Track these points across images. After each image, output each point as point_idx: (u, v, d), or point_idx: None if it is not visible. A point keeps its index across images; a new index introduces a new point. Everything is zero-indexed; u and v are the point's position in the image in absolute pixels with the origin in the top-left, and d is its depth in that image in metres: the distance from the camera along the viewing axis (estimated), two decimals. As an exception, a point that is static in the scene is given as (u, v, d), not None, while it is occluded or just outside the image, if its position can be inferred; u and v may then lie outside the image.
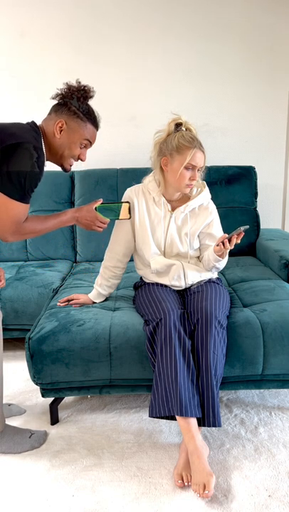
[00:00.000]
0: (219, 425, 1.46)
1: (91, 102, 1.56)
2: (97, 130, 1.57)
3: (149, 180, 1.79)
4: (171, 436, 1.68)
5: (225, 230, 1.83)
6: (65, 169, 1.58)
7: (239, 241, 1.58)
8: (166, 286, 1.78)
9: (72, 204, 2.69)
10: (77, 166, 2.47)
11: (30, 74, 2.79)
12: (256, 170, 2.73)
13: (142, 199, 1.77)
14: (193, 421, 1.45)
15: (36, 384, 1.68)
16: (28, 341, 1.64)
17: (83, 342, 1.63)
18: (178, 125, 1.68)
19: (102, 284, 1.84)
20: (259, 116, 2.93)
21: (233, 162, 2.93)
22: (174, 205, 1.77)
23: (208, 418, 1.47)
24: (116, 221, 1.79)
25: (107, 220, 1.66)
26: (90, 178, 2.67)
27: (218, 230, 1.80)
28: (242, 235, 1.57)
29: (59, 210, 2.06)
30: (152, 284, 1.79)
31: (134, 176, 2.32)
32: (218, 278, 1.86)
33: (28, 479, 1.47)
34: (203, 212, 1.78)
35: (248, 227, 1.58)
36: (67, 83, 1.51)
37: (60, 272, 2.43)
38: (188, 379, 1.49)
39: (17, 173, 1.37)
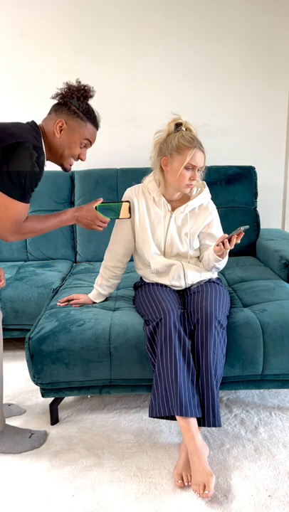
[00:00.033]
0: (219, 425, 1.46)
1: (91, 102, 1.56)
2: (97, 130, 1.57)
3: (149, 180, 1.79)
4: (171, 436, 1.68)
5: (225, 230, 1.83)
6: (65, 169, 1.58)
7: (239, 241, 1.58)
8: (166, 286, 1.78)
9: (72, 204, 2.69)
10: (77, 166, 2.47)
11: (30, 74, 2.79)
12: (256, 170, 2.73)
13: (142, 199, 1.77)
14: (193, 421, 1.45)
15: (36, 384, 1.68)
16: (28, 341, 1.64)
17: (83, 342, 1.63)
18: (178, 125, 1.68)
19: (102, 284, 1.84)
20: (259, 116, 2.93)
21: (233, 162, 2.93)
22: (174, 205, 1.77)
23: (208, 418, 1.47)
24: (116, 220, 1.79)
25: (108, 219, 1.66)
26: (90, 178, 2.67)
27: (218, 230, 1.80)
28: (242, 235, 1.57)
29: (59, 210, 2.05)
30: (152, 284, 1.79)
31: (134, 175, 2.32)
32: (218, 278, 1.86)
33: (28, 479, 1.47)
34: (203, 212, 1.78)
35: (248, 227, 1.58)
36: (67, 83, 1.51)
37: (60, 272, 2.43)
38: (188, 379, 1.49)
39: (17, 172, 1.37)
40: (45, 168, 1.50)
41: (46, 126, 1.51)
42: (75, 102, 1.50)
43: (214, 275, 1.85)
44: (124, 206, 1.70)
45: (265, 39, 2.83)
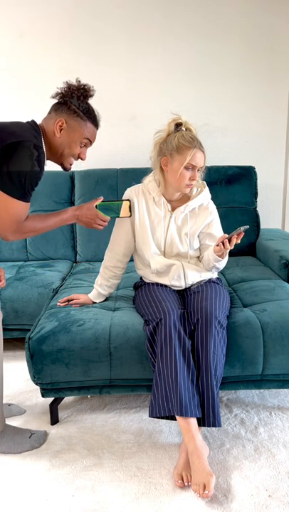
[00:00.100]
0: (219, 425, 1.46)
1: (91, 102, 1.56)
2: (97, 129, 1.57)
3: (149, 180, 1.78)
4: (171, 436, 1.68)
5: (225, 230, 1.83)
6: (65, 168, 1.58)
7: (239, 241, 1.58)
8: (166, 286, 1.78)
9: (72, 204, 2.69)
10: (77, 166, 2.47)
11: (30, 74, 2.79)
12: (256, 170, 2.73)
13: (142, 199, 1.77)
14: (193, 421, 1.45)
15: (36, 384, 1.68)
16: (28, 341, 1.64)
17: (83, 342, 1.63)
18: (178, 125, 1.68)
19: (102, 284, 1.84)
20: (259, 116, 2.93)
21: (233, 162, 2.93)
22: (174, 205, 1.77)
23: (208, 418, 1.47)
24: (116, 219, 1.78)
25: (108, 218, 1.66)
26: (90, 178, 2.67)
27: (218, 230, 1.80)
28: (242, 235, 1.57)
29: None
30: (152, 284, 1.79)
31: (134, 175, 2.32)
32: (218, 278, 1.86)
33: (28, 479, 1.47)
34: (203, 212, 1.78)
35: (248, 227, 1.58)
36: (67, 82, 1.51)
37: (60, 272, 2.43)
38: (188, 379, 1.49)
39: (17, 172, 1.37)
40: (46, 168, 1.50)
41: (46, 125, 1.51)
42: (75, 101, 1.50)
43: (214, 275, 1.85)
44: (125, 205, 1.70)
45: (265, 39, 2.83)
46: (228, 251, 1.64)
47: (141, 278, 1.91)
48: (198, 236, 1.79)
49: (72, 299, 1.85)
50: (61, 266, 2.53)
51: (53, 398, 1.77)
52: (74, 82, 1.52)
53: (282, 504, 1.35)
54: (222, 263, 1.73)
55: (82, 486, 1.44)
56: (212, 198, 1.83)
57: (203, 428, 1.67)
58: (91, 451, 1.60)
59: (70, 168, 1.59)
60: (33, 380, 1.67)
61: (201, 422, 1.47)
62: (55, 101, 1.53)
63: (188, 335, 1.57)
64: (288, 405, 1.86)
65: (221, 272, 2.31)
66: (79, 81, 1.52)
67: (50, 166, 1.64)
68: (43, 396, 1.72)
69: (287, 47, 2.85)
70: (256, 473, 1.48)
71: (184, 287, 1.79)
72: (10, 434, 1.61)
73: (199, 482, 1.35)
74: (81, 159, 1.56)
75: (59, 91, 1.51)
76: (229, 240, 1.58)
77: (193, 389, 1.48)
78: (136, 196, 1.77)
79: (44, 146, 1.49)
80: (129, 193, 1.80)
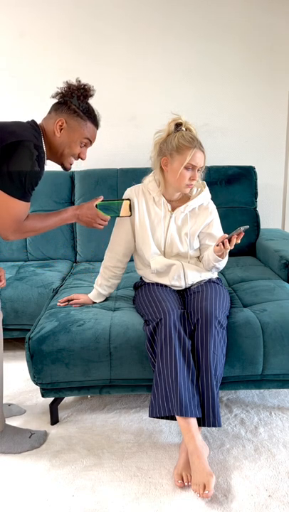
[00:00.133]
0: (219, 425, 1.46)
1: (91, 102, 1.56)
2: (97, 129, 1.57)
3: (149, 180, 1.78)
4: (171, 436, 1.68)
5: (225, 230, 1.83)
6: (65, 168, 1.58)
7: (239, 241, 1.58)
8: (166, 286, 1.78)
9: (72, 204, 2.69)
10: (77, 166, 2.47)
11: (30, 74, 2.79)
12: (256, 170, 2.73)
13: (142, 199, 1.77)
14: (193, 421, 1.45)
15: (36, 384, 1.68)
16: (28, 341, 1.64)
17: (83, 342, 1.63)
18: (178, 125, 1.68)
19: (102, 284, 1.84)
20: (259, 116, 2.93)
21: (233, 162, 2.93)
22: (174, 205, 1.77)
23: (208, 418, 1.47)
24: (117, 219, 1.78)
25: (108, 217, 1.66)
26: (90, 178, 2.67)
27: (218, 230, 1.80)
28: (242, 235, 1.57)
29: (59, 210, 2.06)
30: (152, 284, 1.79)
31: (134, 175, 2.32)
32: (218, 278, 1.86)
33: (28, 479, 1.47)
34: (203, 212, 1.78)
35: (248, 227, 1.58)
36: (67, 82, 1.51)
37: (60, 272, 2.43)
38: (188, 379, 1.49)
39: (18, 172, 1.37)
40: (46, 168, 1.50)
41: (46, 125, 1.51)
42: (75, 101, 1.50)
43: (214, 275, 1.85)
44: (125, 204, 1.70)
45: (265, 39, 2.83)
46: (228, 251, 1.64)
47: (141, 278, 1.91)
48: (198, 236, 1.79)
49: (72, 299, 1.85)
50: (61, 266, 2.53)
51: (53, 398, 1.77)
52: (74, 82, 1.51)
53: (282, 504, 1.35)
54: (222, 263, 1.73)
55: (82, 486, 1.44)
56: (212, 198, 1.83)
57: (203, 428, 1.67)
58: (91, 451, 1.60)
59: (70, 168, 1.59)
60: (33, 380, 1.67)
61: (201, 422, 1.47)
62: (55, 101, 1.53)
63: (188, 335, 1.57)
64: (288, 405, 1.86)
65: (221, 272, 2.31)
66: (79, 81, 1.52)
67: (50, 165, 1.64)
68: (43, 396, 1.72)
69: (287, 47, 2.85)
70: (256, 473, 1.48)
71: (183, 287, 1.79)
72: (10, 434, 1.61)
73: (199, 482, 1.35)
74: (81, 159, 1.56)
75: (59, 91, 1.51)
76: (229, 240, 1.58)
77: (193, 389, 1.48)
78: (136, 196, 1.77)
79: (44, 146, 1.49)
80: (129, 193, 1.80)
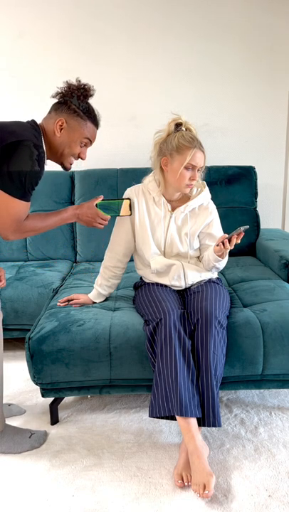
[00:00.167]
0: (219, 425, 1.46)
1: (91, 102, 1.56)
2: (97, 128, 1.57)
3: (149, 180, 1.78)
4: (171, 436, 1.68)
5: (225, 230, 1.83)
6: (65, 168, 1.58)
7: (239, 241, 1.58)
8: (166, 286, 1.78)
9: (72, 204, 2.69)
10: (77, 166, 2.47)
11: (30, 74, 2.79)
12: (256, 170, 2.73)
13: (142, 199, 1.77)
14: (193, 421, 1.45)
15: (36, 384, 1.68)
16: (28, 341, 1.64)
17: (83, 342, 1.63)
18: (178, 125, 1.68)
19: (102, 284, 1.84)
20: (259, 116, 2.93)
21: (233, 162, 2.93)
22: (174, 205, 1.77)
23: (208, 418, 1.47)
24: (117, 219, 1.78)
25: (108, 216, 1.66)
26: (90, 178, 2.67)
27: (218, 230, 1.80)
28: (242, 235, 1.57)
29: (59, 210, 2.06)
30: (152, 284, 1.79)
31: (134, 175, 2.32)
32: (218, 278, 1.86)
33: (28, 479, 1.47)
34: (203, 212, 1.78)
35: (248, 227, 1.58)
36: (67, 82, 1.51)
37: (60, 272, 2.43)
38: (188, 379, 1.49)
39: (18, 172, 1.37)
40: (46, 168, 1.50)
41: (46, 125, 1.51)
42: (75, 100, 1.50)
43: (214, 275, 1.85)
44: (125, 203, 1.70)
45: (265, 39, 2.83)
46: (228, 251, 1.64)
47: (141, 278, 1.91)
48: (198, 236, 1.79)
49: (72, 299, 1.85)
50: (61, 266, 2.53)
51: (53, 398, 1.77)
52: (74, 81, 1.51)
53: (282, 504, 1.35)
54: (222, 263, 1.73)
55: (82, 486, 1.44)
56: (212, 198, 1.83)
57: (203, 428, 1.67)
58: (91, 451, 1.60)
59: (71, 168, 1.59)
60: (33, 380, 1.67)
61: (201, 422, 1.47)
62: (55, 101, 1.53)
63: (188, 335, 1.57)
64: (288, 405, 1.86)
65: (221, 272, 2.31)
66: (79, 81, 1.52)
67: (51, 165, 1.64)
68: (43, 396, 1.72)
69: (287, 47, 2.85)
70: (256, 473, 1.48)
71: (183, 287, 1.79)
72: (10, 434, 1.61)
73: (199, 482, 1.35)
74: (81, 159, 1.56)
75: (59, 90, 1.51)
76: (229, 240, 1.58)
77: (193, 389, 1.48)
78: (136, 196, 1.77)
79: (44, 146, 1.49)
80: (129, 192, 1.80)
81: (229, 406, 1.86)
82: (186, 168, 1.64)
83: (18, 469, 1.52)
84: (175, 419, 1.49)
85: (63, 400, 1.87)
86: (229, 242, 1.59)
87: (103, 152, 2.86)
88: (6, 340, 2.43)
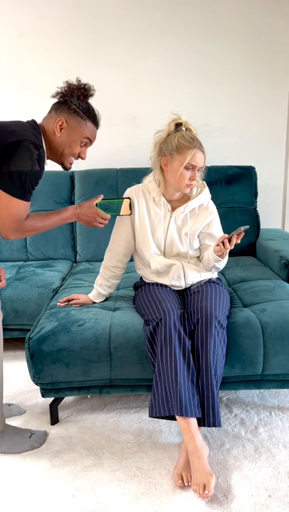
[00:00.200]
0: (219, 425, 1.46)
1: (91, 102, 1.55)
2: (97, 128, 1.57)
3: (149, 180, 1.78)
4: (171, 436, 1.68)
5: (225, 230, 1.83)
6: (65, 167, 1.58)
7: (239, 241, 1.58)
8: (166, 286, 1.78)
9: (72, 204, 2.69)
10: (77, 166, 2.47)
11: (30, 74, 2.79)
12: (256, 170, 2.73)
13: (142, 199, 1.77)
14: (193, 421, 1.45)
15: (36, 384, 1.68)
16: (28, 341, 1.64)
17: (83, 342, 1.63)
18: (178, 125, 1.68)
19: (102, 284, 1.84)
20: (259, 116, 2.93)
21: (233, 162, 2.93)
22: (174, 205, 1.77)
23: (208, 418, 1.47)
24: (117, 217, 1.78)
25: (108, 216, 1.66)
26: (90, 178, 2.67)
27: (218, 230, 1.80)
28: (242, 235, 1.57)
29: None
30: (152, 284, 1.79)
31: (134, 175, 2.32)
32: (218, 278, 1.86)
33: (28, 479, 1.47)
34: (203, 212, 1.78)
35: (248, 227, 1.58)
36: (67, 81, 1.51)
37: (60, 272, 2.43)
38: (188, 379, 1.49)
39: (18, 171, 1.37)
40: (46, 168, 1.50)
41: (46, 124, 1.51)
42: (75, 100, 1.50)
43: (214, 275, 1.85)
44: (125, 203, 1.70)
45: (265, 39, 2.83)
46: (228, 251, 1.64)
47: (141, 278, 1.91)
48: (198, 236, 1.79)
49: (72, 299, 1.85)
50: (61, 266, 2.53)
51: (53, 398, 1.77)
52: (74, 81, 1.51)
53: (282, 504, 1.35)
54: (222, 263, 1.73)
55: (82, 486, 1.44)
56: (212, 198, 1.83)
57: (203, 428, 1.67)
58: (91, 451, 1.60)
59: (71, 168, 1.59)
60: (33, 380, 1.67)
61: (201, 422, 1.47)
62: (55, 100, 1.53)
63: (188, 335, 1.57)
64: (288, 405, 1.86)
65: (221, 272, 2.31)
66: (79, 80, 1.52)
67: (51, 165, 1.64)
68: (43, 396, 1.72)
69: (287, 47, 2.85)
70: (256, 473, 1.48)
71: (183, 287, 1.79)
72: (10, 434, 1.61)
73: (199, 482, 1.35)
74: (81, 158, 1.56)
75: (59, 90, 1.51)
76: (229, 240, 1.58)
77: (193, 389, 1.48)
78: (136, 196, 1.77)
79: (44, 146, 1.49)
80: (129, 192, 1.80)
81: (229, 406, 1.86)
82: (186, 168, 1.64)
83: (18, 469, 1.52)
84: (175, 419, 1.49)
85: (63, 400, 1.87)
86: (229, 242, 1.59)
87: (103, 152, 2.86)
88: (6, 340, 2.43)
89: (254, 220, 2.68)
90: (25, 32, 2.74)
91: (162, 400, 1.49)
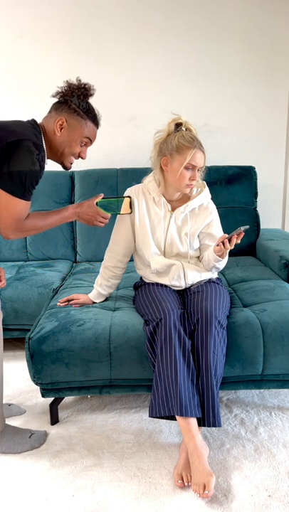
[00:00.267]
0: (219, 425, 1.46)
1: (91, 102, 1.55)
2: (97, 128, 1.57)
3: (149, 180, 1.78)
4: (171, 436, 1.68)
5: (225, 230, 1.83)
6: (65, 167, 1.58)
7: (239, 241, 1.58)
8: (166, 286, 1.78)
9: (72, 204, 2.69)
10: (77, 166, 2.47)
11: (30, 74, 2.79)
12: (256, 170, 2.73)
13: (142, 199, 1.77)
14: (193, 421, 1.45)
15: (36, 384, 1.68)
16: (28, 341, 1.64)
17: (83, 342, 1.63)
18: (178, 125, 1.68)
19: (102, 284, 1.84)
20: (259, 116, 2.93)
21: (233, 162, 2.93)
22: (174, 205, 1.77)
23: (208, 418, 1.47)
24: (117, 216, 1.78)
25: (109, 214, 1.66)
26: (90, 178, 2.67)
27: (218, 230, 1.80)
28: (242, 235, 1.57)
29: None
30: (152, 284, 1.79)
31: (134, 175, 2.32)
32: (218, 278, 1.86)
33: (28, 479, 1.47)
34: (203, 212, 1.78)
35: (248, 227, 1.58)
36: (67, 81, 1.51)
37: (60, 272, 2.43)
38: (188, 379, 1.49)
39: (18, 171, 1.37)
40: (46, 168, 1.50)
41: (46, 124, 1.51)
42: (75, 100, 1.50)
43: (214, 275, 1.85)
44: (125, 201, 1.70)
45: (265, 39, 2.83)
46: (228, 251, 1.64)
47: (141, 278, 1.91)
48: (198, 236, 1.79)
49: (72, 299, 1.85)
50: (61, 266, 2.53)
51: (53, 398, 1.77)
52: (74, 81, 1.52)
53: (282, 504, 1.35)
54: (222, 263, 1.73)
55: (82, 486, 1.44)
56: (212, 198, 1.83)
57: (203, 428, 1.67)
58: (91, 451, 1.60)
59: (71, 167, 1.59)
60: (33, 380, 1.67)
61: (201, 422, 1.47)
62: (56, 100, 1.53)
63: (188, 335, 1.57)
64: (288, 405, 1.86)
65: (221, 272, 2.31)
66: (79, 80, 1.52)
67: (51, 165, 1.64)
68: (43, 396, 1.72)
69: (287, 47, 2.85)
70: (256, 473, 1.48)
71: (183, 287, 1.79)
72: (10, 434, 1.61)
73: (199, 482, 1.35)
74: (81, 158, 1.56)
75: (59, 90, 1.51)
76: (229, 240, 1.58)
77: (193, 389, 1.48)
78: (136, 196, 1.77)
79: (44, 145, 1.49)
80: (129, 192, 1.80)
81: (229, 406, 1.86)
82: (186, 168, 1.64)
83: (18, 469, 1.52)
84: (175, 419, 1.49)
85: (63, 400, 1.87)
86: (229, 242, 1.59)
87: (103, 152, 2.86)
88: (6, 340, 2.43)
89: (254, 220, 2.68)
90: (25, 32, 2.74)
91: (162, 400, 1.48)
